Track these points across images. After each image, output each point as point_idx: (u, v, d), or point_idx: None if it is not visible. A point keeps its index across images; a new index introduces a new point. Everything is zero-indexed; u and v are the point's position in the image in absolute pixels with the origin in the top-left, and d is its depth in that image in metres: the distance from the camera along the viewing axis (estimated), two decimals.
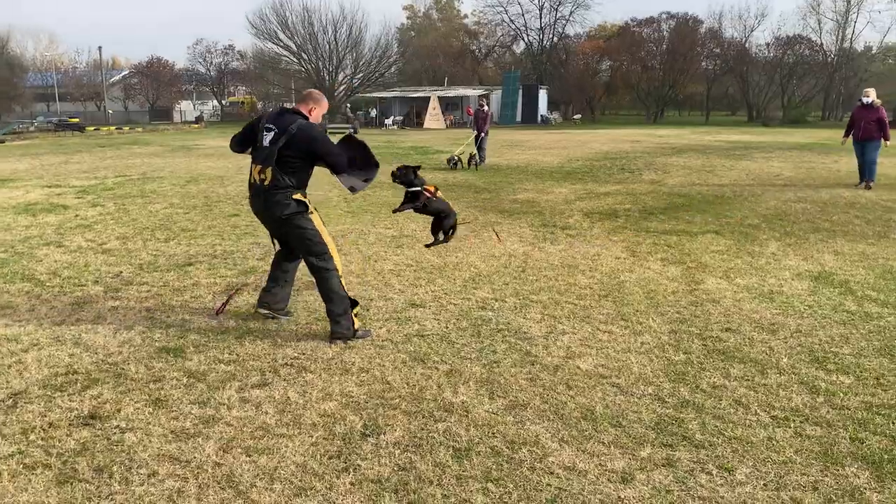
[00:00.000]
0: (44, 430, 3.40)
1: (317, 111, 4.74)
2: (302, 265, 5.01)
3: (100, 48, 61.84)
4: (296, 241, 4.76)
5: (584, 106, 62.71)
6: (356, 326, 4.66)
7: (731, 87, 65.23)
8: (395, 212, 5.57)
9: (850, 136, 12.74)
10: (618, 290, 5.81)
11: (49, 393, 3.83)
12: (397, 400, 3.74)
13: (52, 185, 13.54)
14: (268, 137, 4.53)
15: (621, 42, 60.53)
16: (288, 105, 5.16)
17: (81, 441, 3.29)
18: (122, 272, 6.50)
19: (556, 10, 64.21)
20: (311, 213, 4.72)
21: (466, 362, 4.26)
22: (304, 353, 4.42)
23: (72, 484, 2.93)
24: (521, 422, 3.49)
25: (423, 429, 3.42)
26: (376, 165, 4.89)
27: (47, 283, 6.10)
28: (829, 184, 13.13)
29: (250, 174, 4.68)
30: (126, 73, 68.33)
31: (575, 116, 57.93)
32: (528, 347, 4.50)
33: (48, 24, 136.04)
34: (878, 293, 5.71)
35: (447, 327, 4.90)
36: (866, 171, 12.47)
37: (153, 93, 63.35)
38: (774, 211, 9.88)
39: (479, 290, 5.81)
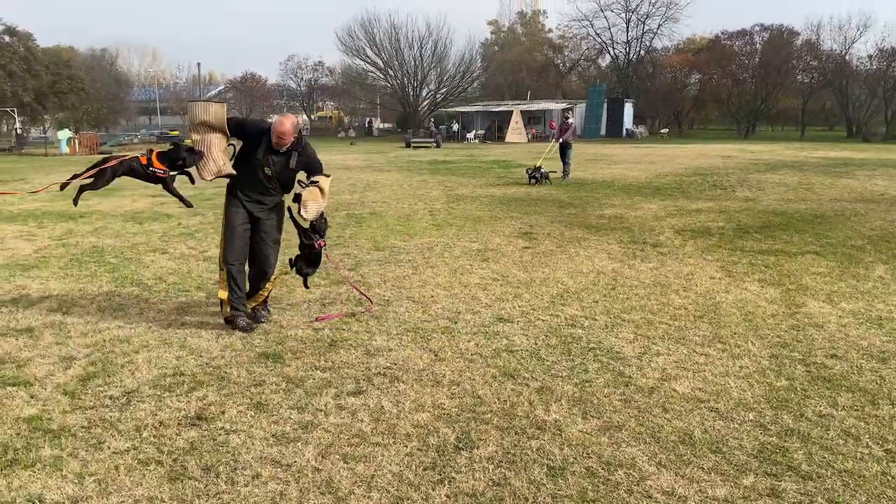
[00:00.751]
0: (155, 428, 3.59)
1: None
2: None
3: (198, 64, 65.31)
4: None
5: (672, 120, 61.25)
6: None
7: (828, 102, 62.23)
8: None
9: None
10: (714, 312, 5.64)
11: (159, 393, 4.04)
12: (489, 415, 3.75)
13: (155, 195, 14.28)
14: None
15: (711, 55, 58.78)
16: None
17: (190, 440, 3.45)
18: None
19: (644, 23, 63.11)
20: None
21: (557, 380, 4.23)
22: (395, 364, 4.49)
23: (182, 481, 3.08)
24: (617, 443, 3.44)
25: (516, 445, 3.42)
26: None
27: (154, 288, 6.44)
28: None
29: None
30: (222, 87, 71.55)
31: (662, 130, 56.65)
32: (622, 368, 4.43)
33: (152, 42, 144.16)
34: None
35: (536, 343, 4.88)
36: None
37: (246, 107, 65.95)
38: (880, 232, 9.37)
39: (568, 307, 5.76)
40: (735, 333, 5.10)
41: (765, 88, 57.91)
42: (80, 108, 48.82)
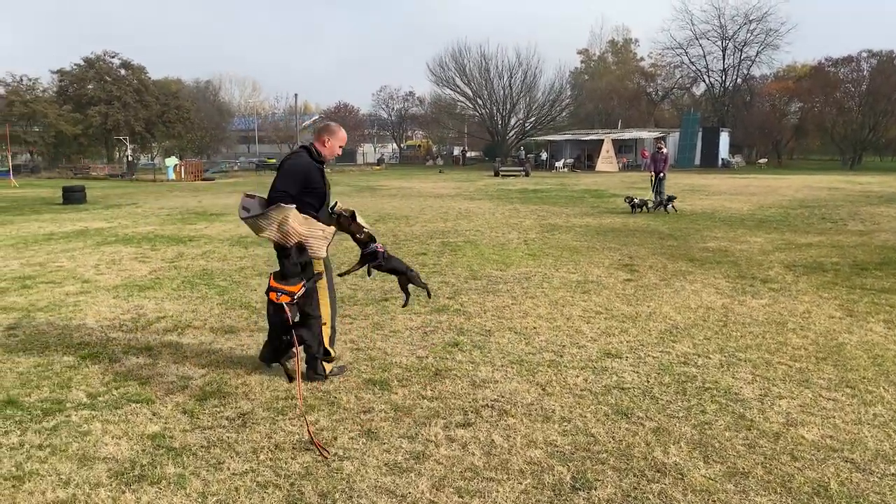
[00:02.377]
0: (271, 451, 3.65)
1: (331, 143, 4.71)
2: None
3: (296, 95, 67.82)
4: None
5: (770, 150, 59.00)
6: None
7: None
8: (342, 275, 5.20)
9: None
10: (837, 354, 5.29)
11: (272, 416, 4.11)
12: (604, 454, 3.62)
13: None
14: None
15: (814, 82, 56.40)
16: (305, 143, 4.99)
17: (305, 465, 3.48)
18: None
19: (742, 51, 61.37)
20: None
21: (674, 421, 4.04)
22: (503, 396, 4.42)
23: None
24: (744, 492, 3.23)
25: (635, 488, 3.27)
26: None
27: (262, 311, 6.59)
28: None
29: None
30: (316, 117, 74.08)
31: (760, 161, 54.60)
32: (742, 410, 4.19)
33: (253, 73, 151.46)
34: None
35: (648, 381, 4.70)
36: None
37: None
38: None
39: (679, 344, 5.54)
40: (864, 378, 4.76)
41: (873, 117, 55.00)
42: (185, 137, 51.63)
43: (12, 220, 15.52)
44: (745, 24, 60.27)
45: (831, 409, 4.23)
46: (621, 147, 52.02)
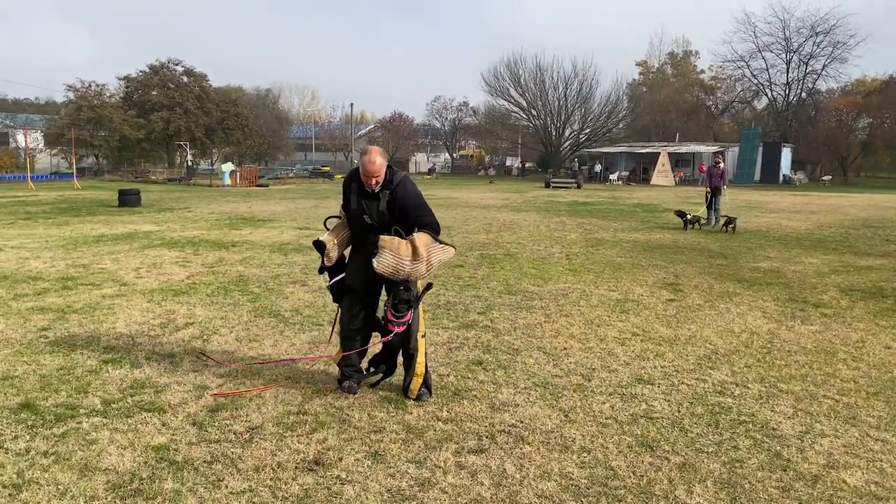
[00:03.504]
0: (273, 469, 3.53)
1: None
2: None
3: (351, 105, 68.71)
4: None
5: (835, 166, 56.89)
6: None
7: None
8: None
9: None
10: (891, 389, 4.89)
11: (281, 431, 3.99)
12: (622, 491, 3.37)
13: (302, 228, 14.95)
14: None
15: (884, 97, 54.24)
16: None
17: (305, 487, 3.35)
18: None
19: (807, 64, 59.43)
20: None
21: (703, 456, 3.77)
22: (521, 422, 4.21)
23: None
24: None
25: None
26: None
27: (290, 320, 6.56)
28: None
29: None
30: (371, 126, 74.90)
31: (823, 178, 52.71)
32: (778, 448, 3.89)
33: (312, 83, 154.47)
34: None
35: (679, 411, 4.42)
36: None
37: (393, 145, 68.59)
38: None
39: (716, 371, 5.23)
40: None
41: None
42: (243, 143, 52.78)
43: (68, 221, 16.01)
44: (812, 36, 58.45)
45: (879, 451, 3.88)
46: (678, 161, 50.95)
